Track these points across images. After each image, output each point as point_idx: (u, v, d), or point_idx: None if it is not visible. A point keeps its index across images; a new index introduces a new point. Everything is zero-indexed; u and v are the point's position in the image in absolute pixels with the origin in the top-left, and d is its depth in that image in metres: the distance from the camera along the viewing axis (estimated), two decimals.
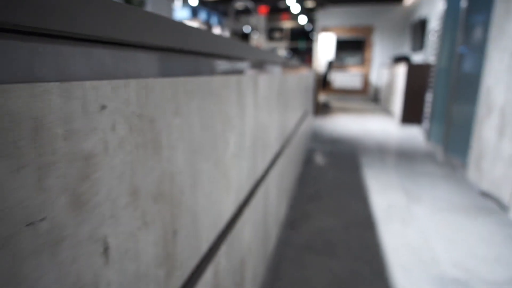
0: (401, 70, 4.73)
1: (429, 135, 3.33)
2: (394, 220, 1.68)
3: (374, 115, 5.62)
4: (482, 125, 2.01)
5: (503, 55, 1.79)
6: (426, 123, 3.55)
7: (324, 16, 7.67)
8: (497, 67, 1.84)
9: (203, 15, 7.55)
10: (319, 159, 2.81)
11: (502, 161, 1.75)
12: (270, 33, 11.84)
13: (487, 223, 1.65)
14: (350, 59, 8.10)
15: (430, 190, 2.10)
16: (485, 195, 1.98)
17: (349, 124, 4.65)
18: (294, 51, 13.19)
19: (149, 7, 4.87)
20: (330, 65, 6.02)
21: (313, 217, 1.69)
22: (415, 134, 3.91)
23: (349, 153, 3.05)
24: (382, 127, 4.42)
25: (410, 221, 1.67)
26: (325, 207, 1.83)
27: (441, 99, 3.10)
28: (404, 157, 2.90)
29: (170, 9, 5.40)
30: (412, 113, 4.53)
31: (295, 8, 7.01)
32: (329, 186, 2.16)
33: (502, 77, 1.79)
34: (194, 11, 7.20)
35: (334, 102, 7.84)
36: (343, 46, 8.01)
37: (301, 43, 12.59)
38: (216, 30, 8.58)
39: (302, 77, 2.21)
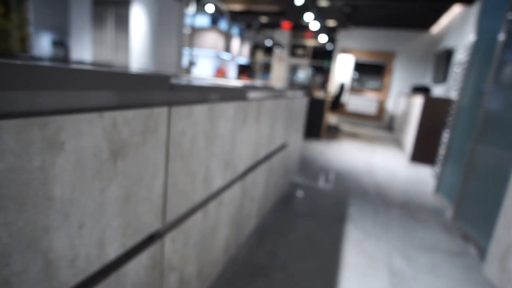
0: (418, 102, 3.99)
1: (439, 184, 2.60)
2: None
3: (384, 146, 4.86)
4: None
5: None
6: (438, 167, 2.82)
7: (344, 37, 6.98)
8: None
9: (223, 24, 7.09)
10: (298, 202, 2.17)
11: None
12: (293, 49, 11.28)
13: None
14: (368, 83, 7.35)
15: (428, 279, 1.41)
16: None
17: (354, 154, 3.94)
18: (317, 70, 12.54)
19: (158, 11, 4.42)
20: (343, 87, 5.34)
21: None
22: (424, 178, 3.16)
23: (339, 195, 2.38)
24: (389, 163, 3.69)
25: None
26: None
27: (459, 143, 2.38)
28: (404, 211, 2.19)
29: (182, 14, 4.94)
30: (424, 152, 3.77)
31: (314, 25, 6.39)
32: (292, 250, 1.53)
33: None
34: (214, 20, 6.75)
35: (346, 125, 7.10)
36: (361, 69, 7.28)
37: (326, 62, 11.92)
38: (236, 42, 8.10)
39: (281, 104, 1.60)
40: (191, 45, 6.95)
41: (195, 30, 6.76)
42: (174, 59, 4.94)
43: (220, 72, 7.92)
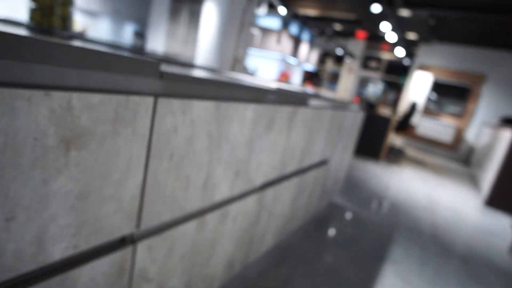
0: (507, 135, 3.36)
1: None
2: None
3: (454, 181, 4.23)
4: None
5: None
6: None
7: (425, 52, 6.31)
8: None
9: (293, 28, 7.01)
10: (333, 227, 1.95)
11: None
12: (366, 61, 10.70)
13: None
14: (446, 107, 6.53)
15: None
16: None
17: (415, 183, 3.49)
18: (390, 85, 11.72)
19: (229, 9, 4.53)
20: (414, 107, 4.81)
21: None
22: (499, 230, 2.63)
23: (385, 229, 2.08)
24: (457, 202, 3.17)
25: None
26: None
27: None
28: (464, 266, 1.82)
29: (253, 15, 4.99)
30: (505, 197, 3.15)
31: (391, 37, 5.90)
32: (310, 281, 1.34)
33: None
34: (285, 23, 6.71)
35: (412, 150, 6.41)
36: (441, 90, 6.50)
37: (402, 79, 11.08)
38: (305, 47, 7.96)
39: (325, 115, 1.44)
40: (255, 45, 7.02)
41: (264, 31, 6.81)
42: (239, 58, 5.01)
43: (284, 77, 7.86)
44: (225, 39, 4.62)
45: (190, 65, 1.46)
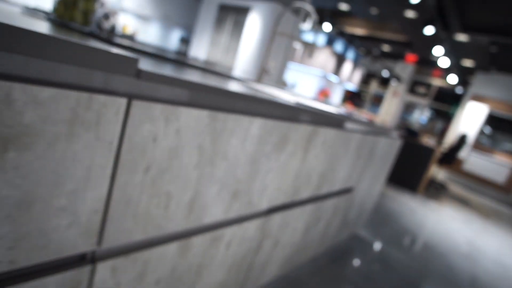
0: None
1: None
2: None
3: (505, 228, 3.73)
4: None
5: None
6: None
7: (481, 82, 5.78)
8: None
9: (338, 46, 6.84)
10: (352, 263, 1.75)
11: None
12: (413, 86, 10.16)
13: None
14: (502, 144, 5.90)
15: None
16: None
17: (455, 225, 3.12)
18: (438, 114, 11.00)
19: (273, 22, 4.52)
20: (463, 140, 4.38)
21: None
22: None
23: (413, 274, 1.83)
24: (506, 255, 2.76)
25: None
26: None
27: None
28: None
29: (298, 30, 4.93)
30: None
31: (444, 62, 5.50)
32: None
33: None
34: (330, 40, 6.57)
35: (456, 186, 5.84)
36: (497, 125, 5.90)
37: (453, 108, 10.37)
38: (348, 66, 7.72)
39: (352, 138, 1.29)
40: (297, 60, 6.94)
41: (307, 46, 6.72)
42: (276, 71, 4.97)
43: (323, 94, 7.67)
44: (263, 50, 4.60)
45: (216, 73, 1.40)
